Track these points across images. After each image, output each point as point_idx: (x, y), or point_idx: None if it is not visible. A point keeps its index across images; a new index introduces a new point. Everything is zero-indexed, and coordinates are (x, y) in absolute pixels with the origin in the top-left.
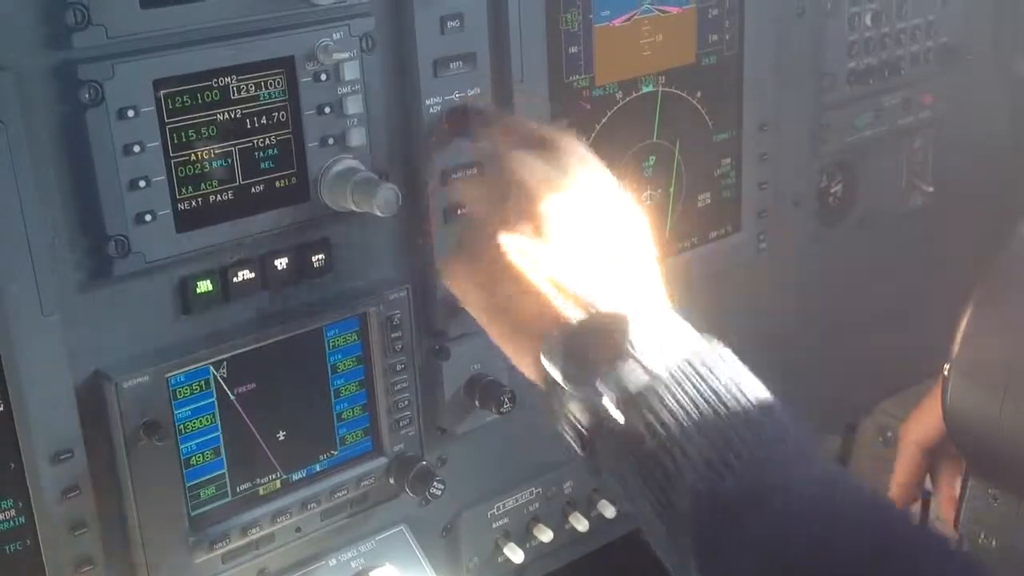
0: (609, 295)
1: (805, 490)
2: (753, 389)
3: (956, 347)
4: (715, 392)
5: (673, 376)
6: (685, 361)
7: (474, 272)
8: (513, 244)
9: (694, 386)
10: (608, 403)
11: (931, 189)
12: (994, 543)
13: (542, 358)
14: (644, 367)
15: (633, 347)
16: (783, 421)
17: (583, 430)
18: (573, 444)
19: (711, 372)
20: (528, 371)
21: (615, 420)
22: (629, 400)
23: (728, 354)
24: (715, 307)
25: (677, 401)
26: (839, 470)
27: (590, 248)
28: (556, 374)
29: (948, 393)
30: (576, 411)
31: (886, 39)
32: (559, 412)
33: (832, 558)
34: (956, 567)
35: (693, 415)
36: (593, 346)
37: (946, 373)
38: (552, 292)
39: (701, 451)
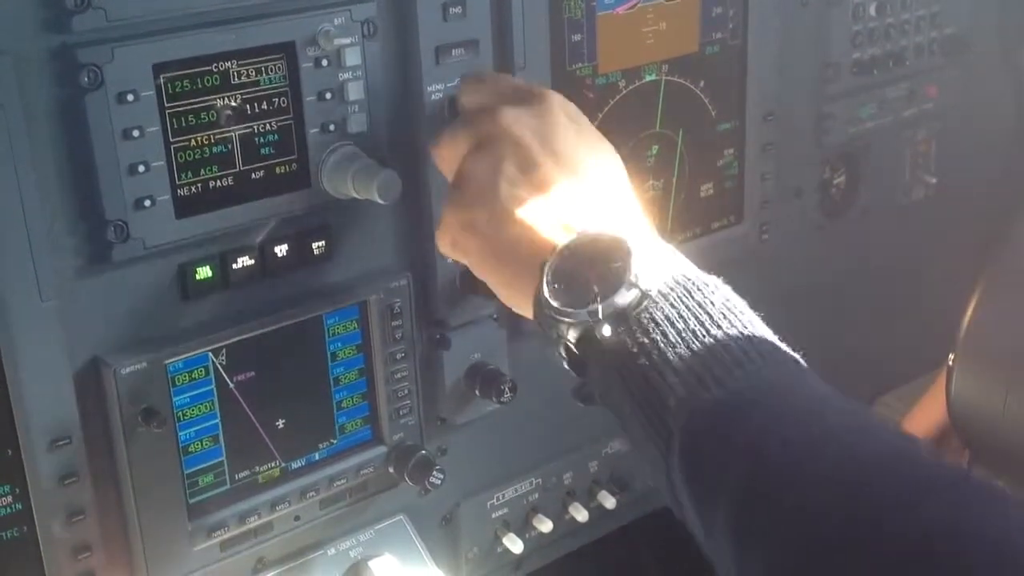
0: (600, 221)
1: (796, 402)
2: (745, 313)
3: (960, 338)
4: (707, 312)
5: (664, 294)
6: (676, 281)
7: (464, 216)
8: (503, 184)
9: (685, 304)
10: (602, 322)
11: (934, 181)
12: None
13: (542, 283)
14: (638, 286)
15: (628, 268)
16: (775, 343)
17: (577, 353)
18: (568, 368)
19: (703, 293)
20: (521, 304)
21: (608, 339)
22: (621, 318)
23: (719, 282)
24: None
25: (668, 318)
26: (832, 390)
27: (578, 183)
28: (553, 299)
29: (952, 384)
30: (571, 334)
31: (890, 30)
32: (554, 338)
33: (819, 469)
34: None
35: (684, 332)
36: (588, 268)
37: (950, 364)
38: (544, 222)
39: (690, 366)
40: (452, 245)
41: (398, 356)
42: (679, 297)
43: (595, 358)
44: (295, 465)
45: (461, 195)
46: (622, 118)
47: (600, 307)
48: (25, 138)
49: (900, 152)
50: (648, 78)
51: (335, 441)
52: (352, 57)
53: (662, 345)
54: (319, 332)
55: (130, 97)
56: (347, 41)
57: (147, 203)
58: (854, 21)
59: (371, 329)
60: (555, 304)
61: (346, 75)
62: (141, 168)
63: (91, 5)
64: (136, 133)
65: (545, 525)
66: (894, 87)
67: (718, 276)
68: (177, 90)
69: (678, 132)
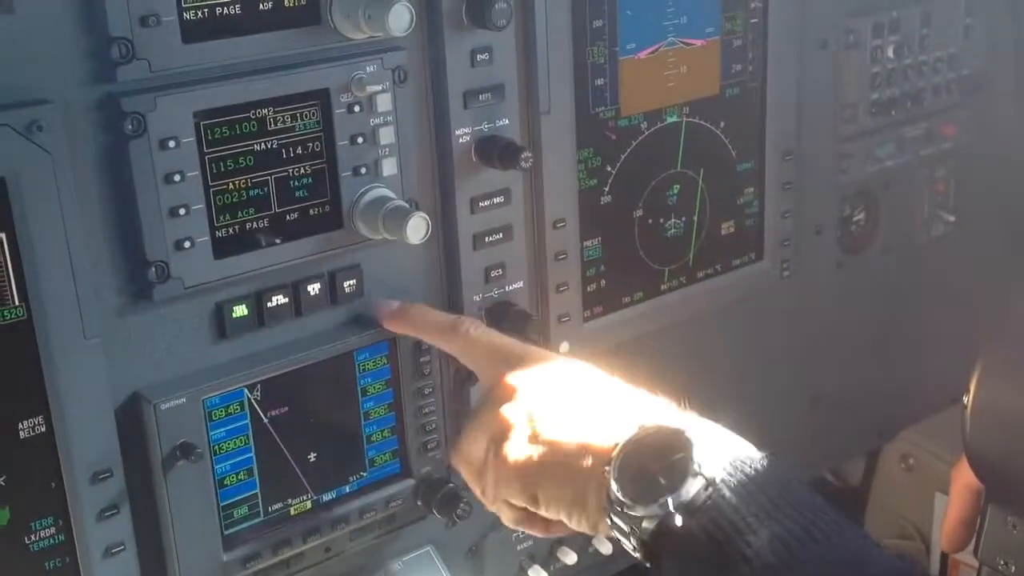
0: (653, 416)
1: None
2: (803, 491)
3: (976, 376)
4: (767, 493)
5: (727, 480)
6: (735, 465)
7: (505, 438)
8: (543, 408)
9: (748, 489)
10: (673, 514)
11: (953, 219)
12: (1013, 569)
13: (610, 481)
14: (703, 475)
15: (691, 458)
16: (830, 513)
17: (651, 545)
18: (642, 560)
19: (762, 473)
20: (586, 514)
21: (681, 529)
22: (691, 507)
23: (774, 459)
24: (738, 335)
25: (734, 505)
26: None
27: (614, 392)
28: (623, 496)
29: (967, 421)
30: (644, 527)
31: (908, 71)
32: (626, 532)
33: None
34: None
35: (750, 516)
36: (651, 462)
37: (966, 402)
38: (596, 429)
39: (762, 549)
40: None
41: (426, 391)
42: (742, 481)
43: (670, 549)
44: (326, 497)
45: (499, 429)
46: (644, 159)
47: (670, 499)
48: (71, 183)
49: (919, 190)
50: (669, 120)
51: (365, 474)
52: (383, 103)
53: (732, 531)
54: (350, 368)
55: (172, 143)
56: (379, 88)
57: (187, 244)
58: (872, 63)
59: (400, 365)
60: (625, 500)
61: (378, 120)
62: (182, 211)
63: (135, 56)
64: (177, 177)
65: (569, 557)
66: (912, 127)
67: (739, 313)
68: (216, 136)
69: (699, 172)
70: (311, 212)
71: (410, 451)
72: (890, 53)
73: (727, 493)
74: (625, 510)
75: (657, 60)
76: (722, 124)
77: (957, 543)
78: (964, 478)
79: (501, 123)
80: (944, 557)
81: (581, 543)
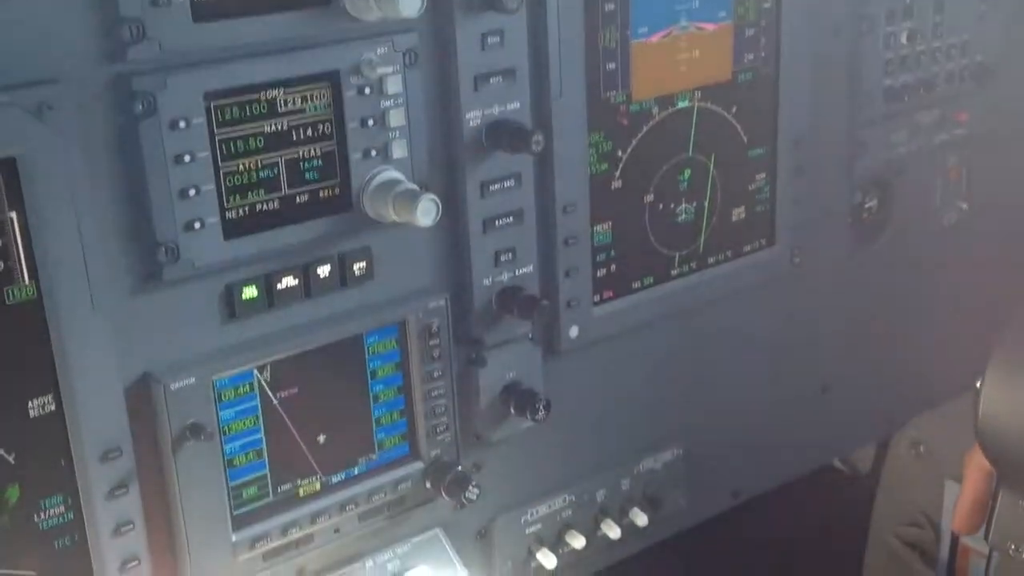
0: None
1: None
2: None
3: (989, 361)
4: None
5: None
6: None
7: None
8: None
9: None
10: None
11: (966, 206)
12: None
13: None
14: None
15: None
16: None
17: None
18: None
19: None
20: None
21: None
22: None
23: None
24: (749, 321)
25: None
26: None
27: None
28: None
29: (980, 405)
30: None
31: (922, 57)
32: None
33: None
34: None
35: None
36: None
37: (979, 386)
38: None
39: None
40: None
41: (435, 374)
42: None
43: None
44: (335, 479)
45: None
46: (655, 144)
47: None
48: (81, 163)
49: (931, 177)
50: (681, 105)
51: (374, 456)
52: (394, 85)
53: None
54: (360, 350)
55: (182, 124)
56: (389, 70)
57: (197, 225)
58: (886, 49)
59: (410, 348)
60: None
61: (388, 103)
62: (192, 192)
63: (146, 36)
64: (187, 158)
65: (578, 541)
66: (925, 113)
67: (750, 299)
68: (226, 117)
69: (710, 157)
70: (321, 194)
71: (419, 434)
72: (903, 39)
73: None
74: None
75: (669, 44)
76: (734, 109)
77: (969, 525)
78: (978, 460)
79: (512, 107)
80: (954, 544)
81: (590, 527)
